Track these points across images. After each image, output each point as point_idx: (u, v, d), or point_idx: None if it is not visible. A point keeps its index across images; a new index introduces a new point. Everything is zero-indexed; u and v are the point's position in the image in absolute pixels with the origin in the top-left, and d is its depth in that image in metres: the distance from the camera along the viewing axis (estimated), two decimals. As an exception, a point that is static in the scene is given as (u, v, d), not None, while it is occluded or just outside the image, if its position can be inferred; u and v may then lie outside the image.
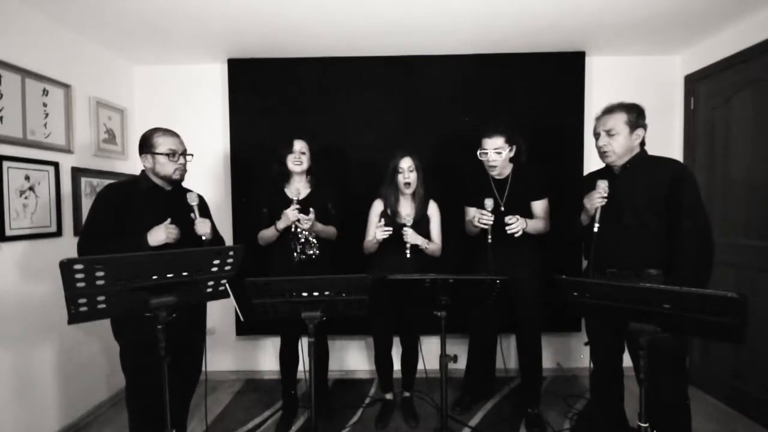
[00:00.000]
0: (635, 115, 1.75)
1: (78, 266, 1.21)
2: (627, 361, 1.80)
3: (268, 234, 2.18)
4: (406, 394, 2.43)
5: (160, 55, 2.76)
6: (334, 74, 2.81)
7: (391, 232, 2.07)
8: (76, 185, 2.38)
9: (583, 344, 1.98)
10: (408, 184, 2.18)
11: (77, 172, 2.39)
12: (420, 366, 2.39)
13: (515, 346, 2.74)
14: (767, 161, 2.24)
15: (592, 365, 1.97)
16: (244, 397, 2.71)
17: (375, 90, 2.81)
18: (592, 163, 2.60)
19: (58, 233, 2.26)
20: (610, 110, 1.80)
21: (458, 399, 2.49)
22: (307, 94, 2.82)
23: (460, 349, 2.63)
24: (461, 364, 2.33)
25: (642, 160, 1.78)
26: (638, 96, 1.97)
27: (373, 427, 2.31)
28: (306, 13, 2.21)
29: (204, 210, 1.92)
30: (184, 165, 1.86)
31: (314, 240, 2.19)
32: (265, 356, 3.01)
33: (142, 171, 1.84)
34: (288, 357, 2.33)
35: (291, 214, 2.06)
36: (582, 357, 2.93)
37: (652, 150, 1.82)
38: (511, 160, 2.21)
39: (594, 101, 2.73)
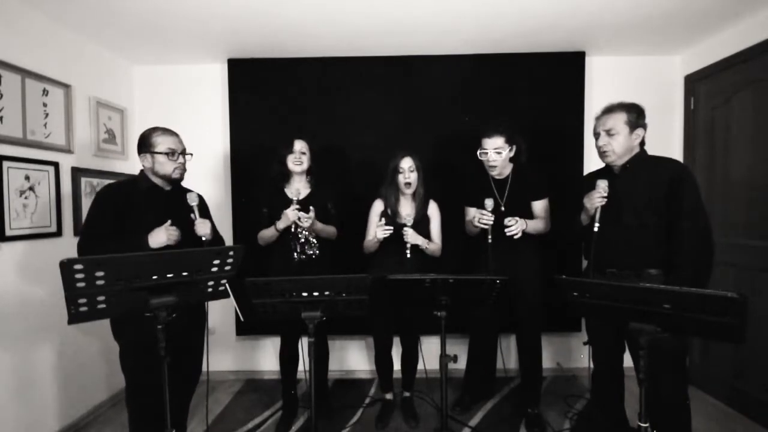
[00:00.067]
0: (635, 115, 1.75)
1: (78, 266, 1.21)
2: (627, 361, 1.80)
3: (267, 234, 2.18)
4: (406, 394, 2.43)
5: (160, 55, 2.76)
6: (334, 74, 2.81)
7: (391, 231, 2.07)
8: (76, 185, 2.38)
9: (583, 344, 1.98)
10: (408, 184, 2.18)
11: (77, 172, 2.39)
12: (420, 366, 2.39)
13: (515, 346, 2.74)
14: (767, 161, 2.24)
15: (592, 365, 1.97)
16: (244, 397, 2.71)
17: (375, 90, 2.81)
18: (592, 163, 2.60)
19: (58, 233, 2.26)
20: (609, 110, 1.80)
21: (458, 399, 2.49)
22: (307, 94, 2.82)
23: (460, 349, 2.63)
24: (461, 364, 2.33)
25: (642, 160, 1.78)
26: (638, 96, 1.97)
27: (373, 427, 2.31)
28: (306, 13, 2.21)
29: (204, 210, 1.91)
30: (184, 164, 1.85)
31: (314, 240, 2.19)
32: (265, 356, 3.01)
33: (141, 171, 1.84)
34: (288, 357, 2.33)
35: (291, 214, 2.06)
36: (582, 357, 2.93)
37: (652, 150, 1.82)
38: (511, 160, 2.21)
39: (594, 101, 2.73)
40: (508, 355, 2.85)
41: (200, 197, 1.90)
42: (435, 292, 1.70)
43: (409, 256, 2.08)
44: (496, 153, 2.12)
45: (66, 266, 1.19)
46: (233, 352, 3.01)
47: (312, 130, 2.57)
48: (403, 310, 2.24)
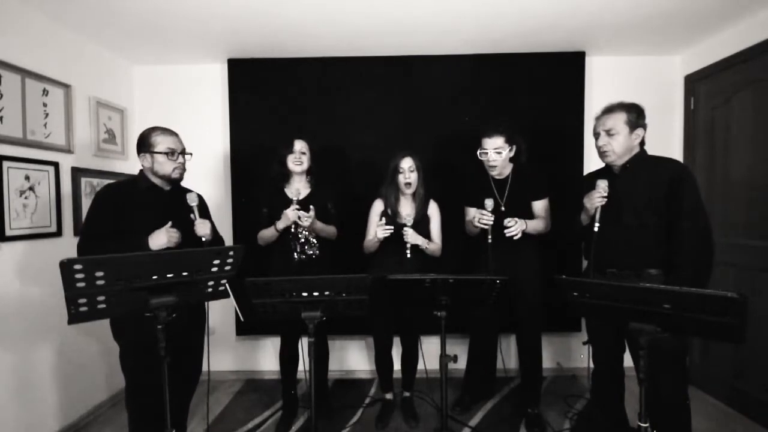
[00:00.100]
0: (635, 115, 1.75)
1: (78, 266, 1.21)
2: (627, 360, 1.80)
3: (267, 234, 2.18)
4: (406, 394, 2.43)
5: (160, 55, 2.76)
6: (334, 74, 2.81)
7: (392, 231, 2.07)
8: (76, 185, 2.38)
9: (583, 343, 1.98)
10: (409, 184, 2.18)
11: (77, 172, 2.39)
12: (420, 366, 2.39)
13: (515, 346, 2.74)
14: (767, 161, 2.24)
15: (592, 365, 1.97)
16: (244, 397, 2.71)
17: (375, 90, 2.81)
18: (592, 163, 2.60)
19: (58, 233, 2.26)
20: (609, 110, 1.80)
21: (458, 399, 2.49)
22: (307, 94, 2.82)
23: (460, 349, 2.63)
24: (461, 364, 2.33)
25: (642, 160, 1.78)
26: (638, 96, 1.97)
27: (373, 427, 2.31)
28: (306, 13, 2.21)
29: (204, 210, 1.91)
30: (183, 164, 1.84)
31: (314, 240, 2.19)
32: (265, 356, 3.02)
33: (141, 170, 1.83)
34: (288, 357, 2.33)
35: (291, 214, 2.06)
36: (582, 357, 2.92)
37: (652, 150, 1.82)
38: (511, 160, 2.21)
39: (594, 101, 2.73)
40: (508, 355, 2.85)
41: (200, 197, 1.90)
42: (435, 292, 1.70)
43: (409, 256, 2.08)
44: (496, 153, 2.12)
45: (66, 266, 1.19)
46: (233, 352, 3.01)
47: (312, 130, 2.57)
48: (403, 310, 2.24)
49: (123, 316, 1.62)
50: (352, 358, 3.01)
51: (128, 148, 2.80)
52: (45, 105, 2.20)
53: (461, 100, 2.80)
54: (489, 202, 2.05)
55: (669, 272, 1.67)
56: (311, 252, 2.19)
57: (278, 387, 2.49)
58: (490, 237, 2.06)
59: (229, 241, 2.74)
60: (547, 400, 2.54)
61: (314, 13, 2.21)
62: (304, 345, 1.80)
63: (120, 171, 2.72)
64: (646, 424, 1.29)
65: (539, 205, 2.22)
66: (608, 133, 1.77)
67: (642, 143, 1.79)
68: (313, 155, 2.27)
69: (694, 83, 2.73)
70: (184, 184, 1.91)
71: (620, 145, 1.75)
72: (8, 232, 1.97)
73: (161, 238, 1.67)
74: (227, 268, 1.50)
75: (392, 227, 2.09)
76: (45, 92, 2.20)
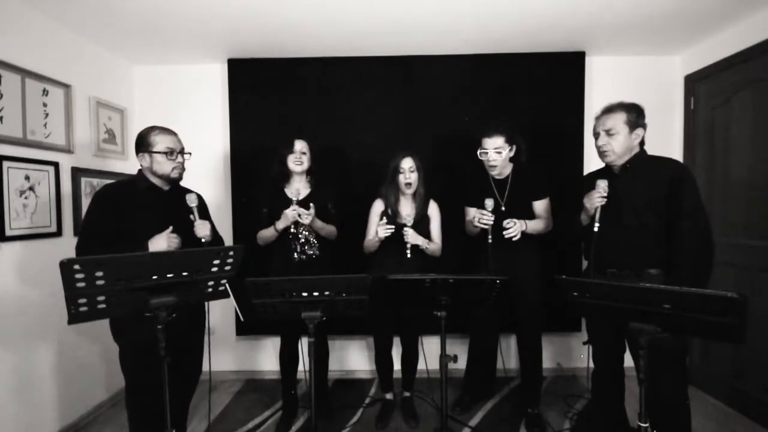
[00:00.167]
0: (635, 115, 1.75)
1: (78, 266, 1.21)
2: (628, 360, 1.80)
3: (267, 234, 2.18)
4: (406, 394, 2.43)
5: (160, 55, 2.76)
6: (334, 74, 2.81)
7: (393, 230, 2.07)
8: (76, 185, 2.38)
9: (583, 343, 1.98)
10: (409, 185, 2.18)
11: (77, 172, 2.39)
12: (421, 366, 2.39)
13: (515, 346, 2.74)
14: (767, 161, 2.24)
15: (592, 365, 1.97)
16: (244, 397, 2.71)
17: (375, 90, 2.81)
18: (592, 163, 2.60)
19: (58, 233, 2.26)
20: (609, 110, 1.80)
21: (458, 399, 2.49)
22: (307, 94, 2.82)
23: (460, 349, 2.63)
24: (461, 364, 2.33)
25: (642, 160, 1.78)
26: (638, 96, 1.97)
27: (373, 427, 2.31)
28: (306, 13, 2.21)
29: (203, 211, 1.91)
30: (183, 163, 1.83)
31: (314, 240, 2.19)
32: (265, 356, 3.02)
33: (140, 170, 1.82)
34: (288, 357, 2.33)
35: (290, 214, 2.06)
36: (582, 357, 2.92)
37: (652, 150, 1.82)
38: (511, 159, 2.21)
39: (594, 101, 2.73)
40: (508, 355, 2.85)
41: (200, 198, 1.89)
42: (435, 292, 1.70)
43: (409, 256, 2.08)
44: (496, 153, 2.12)
45: (66, 266, 1.19)
46: (233, 352, 3.01)
47: (312, 130, 2.57)
48: (403, 310, 2.24)
49: (123, 317, 1.61)
50: (352, 358, 3.01)
51: (128, 148, 2.80)
52: (45, 105, 2.20)
53: (461, 100, 2.80)
54: (489, 202, 2.05)
55: (669, 272, 1.67)
56: (311, 252, 2.19)
57: (278, 387, 2.49)
58: (490, 237, 2.06)
59: (229, 241, 2.74)
60: (547, 400, 2.54)
61: (314, 13, 2.21)
62: (304, 345, 1.80)
63: (120, 171, 2.72)
64: (646, 424, 1.29)
65: (540, 205, 2.22)
66: (608, 133, 1.77)
67: (642, 143, 1.79)
68: (313, 155, 2.27)
69: (694, 83, 2.73)
70: (184, 184, 1.91)
71: (620, 145, 1.75)
72: (8, 232, 1.97)
73: (161, 244, 1.66)
74: (227, 268, 1.50)
75: (393, 227, 2.09)
76: (45, 92, 2.20)
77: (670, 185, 1.67)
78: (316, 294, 1.53)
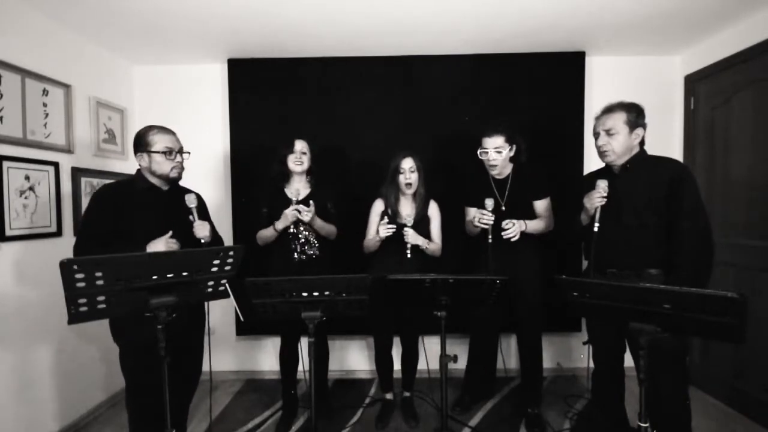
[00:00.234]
0: (635, 115, 1.75)
1: (78, 266, 1.21)
2: (628, 360, 1.80)
3: (266, 234, 2.18)
4: (406, 394, 2.43)
5: (160, 55, 2.76)
6: (334, 74, 2.81)
7: (394, 230, 2.07)
8: (76, 185, 2.38)
9: (583, 343, 1.98)
10: (409, 185, 2.18)
11: (77, 172, 2.39)
12: (422, 366, 2.38)
13: (515, 346, 2.74)
14: (767, 161, 2.24)
15: (592, 365, 1.97)
16: (244, 397, 2.71)
17: (375, 90, 2.81)
18: (592, 163, 2.60)
19: (58, 233, 2.26)
20: (609, 110, 1.80)
21: (458, 399, 2.49)
22: (307, 94, 2.82)
23: (460, 349, 2.63)
24: (461, 364, 2.33)
25: (642, 160, 1.78)
26: (638, 96, 1.97)
27: (373, 427, 2.31)
28: (306, 13, 2.21)
29: (203, 211, 1.90)
30: (182, 163, 1.82)
31: (314, 240, 2.20)
32: (265, 356, 3.01)
33: (138, 170, 1.80)
34: (288, 357, 2.33)
35: (290, 214, 2.06)
36: (582, 357, 2.92)
37: (652, 150, 1.82)
38: (512, 159, 2.21)
39: (594, 101, 2.73)
40: (508, 355, 2.85)
41: (199, 198, 1.89)
42: (435, 292, 1.70)
43: (409, 256, 2.08)
44: (497, 152, 2.12)
45: (66, 266, 1.19)
46: (233, 352, 3.01)
47: (312, 130, 2.57)
48: (403, 310, 2.24)
49: (123, 317, 1.61)
50: (352, 358, 3.01)
51: (128, 148, 2.80)
52: (45, 105, 2.20)
53: (461, 100, 2.80)
54: (489, 202, 2.06)
55: (669, 272, 1.67)
56: (311, 252, 2.19)
57: (278, 387, 2.49)
58: (490, 237, 2.06)
59: (228, 241, 2.74)
60: (547, 400, 2.54)
61: (314, 13, 2.21)
62: (304, 345, 1.80)
63: (120, 171, 2.72)
64: (646, 424, 1.29)
65: (541, 205, 2.22)
66: (608, 132, 1.77)
67: (642, 143, 1.79)
68: (313, 155, 2.27)
69: (694, 83, 2.73)
70: (183, 183, 1.91)
71: (620, 144, 1.75)
72: (8, 232, 1.97)
73: (159, 248, 1.65)
74: (227, 268, 1.50)
75: (395, 226, 2.09)
76: (45, 92, 2.20)
77: (670, 185, 1.67)
78: (316, 294, 1.53)
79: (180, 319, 1.45)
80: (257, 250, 2.20)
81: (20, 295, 2.05)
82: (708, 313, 1.16)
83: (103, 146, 2.62)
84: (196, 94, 2.92)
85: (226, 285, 1.53)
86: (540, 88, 2.78)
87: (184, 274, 1.40)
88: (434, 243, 2.22)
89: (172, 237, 1.69)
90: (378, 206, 2.29)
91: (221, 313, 2.90)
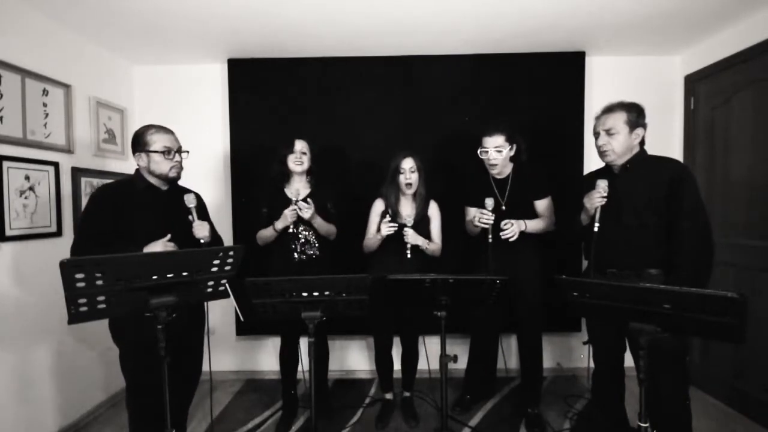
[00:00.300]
0: (635, 115, 1.75)
1: (78, 266, 1.21)
2: (628, 360, 1.80)
3: (266, 234, 2.18)
4: (406, 394, 2.43)
5: (160, 55, 2.76)
6: (334, 74, 2.81)
7: (396, 228, 2.07)
8: (76, 185, 2.38)
9: (583, 343, 1.98)
10: (409, 185, 2.18)
11: (77, 172, 2.39)
12: (422, 366, 2.38)
13: (515, 345, 2.74)
14: (767, 161, 2.24)
15: (592, 365, 1.97)
16: (244, 397, 2.71)
17: (375, 90, 2.81)
18: (592, 162, 2.60)
19: (58, 233, 2.26)
20: (609, 109, 1.80)
21: (458, 399, 2.49)
22: (307, 94, 2.82)
23: (460, 349, 2.64)
24: (461, 364, 2.33)
25: (642, 160, 1.78)
26: (638, 96, 1.97)
27: (373, 427, 2.31)
28: (306, 13, 2.21)
29: (202, 211, 1.90)
30: (180, 162, 1.81)
31: (314, 240, 2.19)
32: (265, 356, 3.01)
33: (137, 170, 1.80)
34: (288, 357, 2.33)
35: (290, 214, 2.06)
36: (582, 357, 2.92)
37: (652, 150, 1.82)
38: (512, 159, 2.21)
39: (594, 101, 2.73)
40: (508, 355, 2.85)
41: (198, 197, 1.88)
42: (435, 292, 1.70)
43: (409, 256, 2.08)
44: (497, 151, 2.12)
45: (66, 266, 1.19)
46: (233, 352, 3.01)
47: (312, 130, 2.57)
48: (403, 310, 2.24)
49: (123, 317, 1.61)
50: (352, 358, 3.01)
51: (128, 148, 2.75)
52: (45, 105, 2.20)
53: (461, 100, 2.80)
54: (489, 202, 2.06)
55: (669, 272, 1.67)
56: (311, 252, 2.19)
57: (278, 387, 2.48)
58: (490, 236, 2.06)
59: (228, 241, 2.74)
60: (547, 400, 2.54)
61: (314, 13, 2.21)
62: (303, 345, 1.80)
63: (120, 171, 2.72)
64: (646, 424, 1.29)
65: (542, 204, 2.22)
66: (608, 132, 1.77)
67: (642, 143, 1.79)
68: (313, 155, 2.27)
69: (694, 83, 2.73)
70: (183, 183, 1.90)
71: (620, 144, 1.75)
72: (8, 232, 1.97)
73: (157, 251, 1.64)
74: (227, 268, 1.50)
75: (396, 225, 2.09)
76: (45, 92, 2.20)
77: (670, 185, 1.67)
78: (316, 294, 1.53)
79: (180, 319, 1.45)
80: (257, 250, 2.20)
81: (20, 295, 2.05)
82: (708, 313, 1.16)
83: (103, 146, 2.62)
84: (196, 94, 2.92)
85: (226, 285, 1.53)
86: (540, 88, 2.78)
87: (184, 274, 1.40)
88: (434, 243, 2.22)
89: (171, 239, 1.68)
90: (378, 206, 2.29)
91: (221, 313, 2.90)
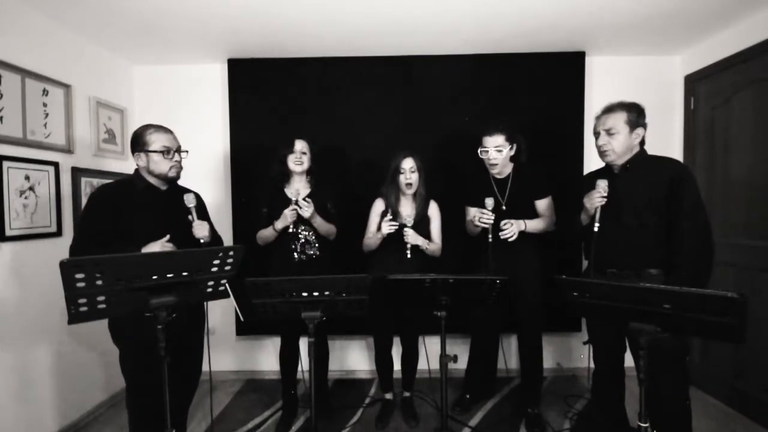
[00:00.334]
0: (635, 115, 1.75)
1: (78, 266, 1.21)
2: (628, 360, 1.80)
3: (266, 234, 2.18)
4: (406, 394, 2.43)
5: (160, 55, 2.76)
6: (334, 74, 2.81)
7: (397, 227, 2.07)
8: (76, 185, 2.38)
9: (583, 343, 1.98)
10: (409, 185, 2.18)
11: (77, 172, 2.39)
12: (422, 366, 2.38)
13: (516, 345, 2.74)
14: (767, 161, 2.24)
15: (592, 365, 1.97)
16: (244, 397, 2.71)
17: (375, 90, 2.81)
18: (592, 162, 2.60)
19: (58, 233, 2.26)
20: (610, 109, 1.80)
21: (458, 399, 2.49)
22: (307, 94, 2.82)
23: (460, 349, 2.64)
24: (462, 364, 2.33)
25: (642, 160, 1.78)
26: (638, 96, 1.97)
27: (373, 427, 2.31)
28: (306, 13, 2.21)
29: (202, 211, 1.90)
30: (180, 162, 1.81)
31: (314, 240, 2.19)
32: (265, 356, 3.01)
33: (136, 170, 1.79)
34: (288, 357, 2.33)
35: (290, 214, 2.06)
36: (582, 357, 2.93)
37: (652, 150, 1.82)
38: (512, 159, 2.21)
39: (594, 101, 2.73)
40: (509, 355, 2.85)
41: (198, 197, 1.88)
42: (435, 292, 1.70)
43: (409, 256, 2.08)
44: (497, 151, 2.12)
45: (66, 266, 1.19)
46: (233, 352, 3.01)
47: (312, 130, 2.57)
48: (403, 310, 2.24)
49: (122, 318, 1.61)
50: (352, 358, 3.01)
51: (128, 148, 2.75)
52: (45, 105, 2.20)
53: (461, 100, 2.80)
54: (489, 201, 2.06)
55: (669, 272, 1.67)
56: (311, 252, 2.19)
57: (278, 387, 2.49)
58: (490, 236, 2.06)
59: (228, 241, 2.74)
60: (547, 400, 2.54)
61: (314, 13, 2.21)
62: (303, 345, 1.80)
63: (120, 171, 2.72)
64: (646, 424, 1.29)
65: (543, 204, 2.22)
66: (608, 132, 1.77)
67: (642, 143, 1.79)
68: (313, 155, 2.27)
69: (694, 83, 2.73)
70: (184, 183, 1.90)
71: (620, 144, 1.75)
72: (8, 232, 1.97)
73: (155, 251, 1.63)
74: (227, 268, 1.50)
75: (398, 223, 2.09)
76: (45, 92, 2.20)
77: (670, 185, 1.67)
78: (316, 294, 1.53)
79: (180, 319, 1.45)
80: (257, 250, 2.20)
81: (20, 295, 2.04)
82: (708, 313, 1.16)
83: (103, 146, 2.62)
84: (196, 94, 2.92)
85: (226, 285, 1.53)
86: (540, 88, 2.78)
87: (184, 274, 1.40)
88: (434, 243, 2.22)
89: (170, 239, 1.67)
90: (378, 206, 2.29)
91: (221, 313, 2.91)
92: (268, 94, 2.82)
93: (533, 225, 2.15)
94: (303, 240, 2.18)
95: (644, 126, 1.77)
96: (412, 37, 2.54)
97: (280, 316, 1.57)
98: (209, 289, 1.51)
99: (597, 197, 1.75)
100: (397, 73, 2.80)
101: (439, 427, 2.11)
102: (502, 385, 2.73)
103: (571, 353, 2.97)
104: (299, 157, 2.18)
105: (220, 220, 2.47)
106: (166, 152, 1.74)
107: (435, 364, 1.94)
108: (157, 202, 1.77)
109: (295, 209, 2.06)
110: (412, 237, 2.07)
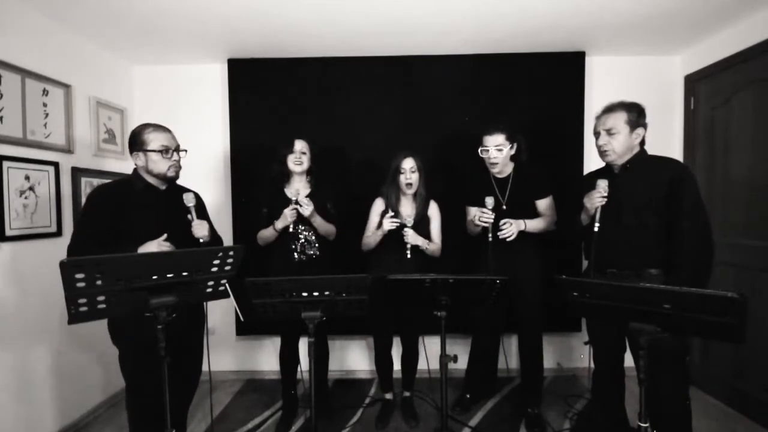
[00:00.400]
0: (635, 114, 1.75)
1: (78, 266, 1.20)
2: (628, 360, 1.80)
3: (266, 234, 2.18)
4: (406, 394, 2.43)
5: (160, 55, 2.76)
6: (334, 74, 2.81)
7: (398, 224, 2.07)
8: (76, 185, 2.38)
9: (583, 343, 1.98)
10: (410, 185, 2.18)
11: (77, 172, 2.39)
12: (422, 366, 2.38)
13: (516, 345, 2.73)
14: (767, 161, 2.24)
15: (592, 365, 1.97)
16: (244, 397, 2.71)
17: (375, 90, 2.81)
18: (592, 162, 2.60)
19: (58, 233, 2.26)
20: (610, 109, 1.80)
21: (458, 399, 2.49)
22: (307, 94, 2.82)
23: (460, 349, 2.63)
24: (462, 364, 2.33)
25: (642, 160, 1.78)
26: (638, 96, 1.97)
27: (373, 427, 2.31)
28: (306, 13, 2.21)
29: (201, 211, 1.89)
30: (179, 161, 1.80)
31: (314, 240, 2.19)
32: (265, 356, 3.01)
33: (135, 170, 1.78)
34: (288, 357, 2.33)
35: (290, 214, 2.06)
36: (582, 357, 2.93)
37: (652, 150, 1.82)
38: (512, 158, 2.21)
39: (594, 101, 2.73)
40: (509, 355, 2.85)
41: (197, 197, 1.87)
42: (435, 292, 1.70)
43: (409, 256, 2.08)
44: (497, 150, 2.12)
45: (66, 266, 1.18)
46: (233, 352, 3.01)
47: (312, 130, 2.57)
48: (403, 310, 2.24)
49: (122, 318, 1.61)
50: (352, 358, 3.01)
51: (128, 148, 2.80)
52: (45, 105, 2.20)
53: (461, 100, 2.80)
54: (489, 200, 2.06)
55: (669, 272, 1.67)
56: (311, 252, 2.19)
57: (278, 387, 2.49)
58: (490, 236, 2.06)
59: (228, 241, 2.74)
60: (547, 400, 2.54)
61: (314, 13, 2.21)
62: (303, 345, 1.80)
63: (120, 171, 2.72)
64: (646, 424, 1.29)
65: (543, 204, 2.22)
66: (608, 132, 1.77)
67: (642, 143, 1.79)
68: (313, 155, 2.27)
69: (694, 83, 2.73)
70: (183, 183, 1.90)
71: (620, 144, 1.75)
72: (8, 232, 1.97)
73: (152, 251, 1.63)
74: (227, 268, 1.50)
75: (399, 220, 2.09)
76: (45, 92, 2.20)
77: (670, 185, 1.67)
78: (316, 294, 1.53)
79: (180, 319, 1.45)
80: (257, 250, 2.20)
81: (20, 295, 2.04)
82: (708, 313, 1.16)
83: (103, 146, 2.62)
84: (196, 94, 2.92)
85: (226, 285, 1.53)
86: (540, 88, 2.78)
87: (184, 274, 1.40)
88: (434, 243, 2.22)
89: (167, 239, 1.67)
90: (378, 205, 2.29)
91: (221, 313, 2.90)
92: (268, 94, 2.82)
93: (533, 225, 2.15)
94: (303, 240, 2.18)
95: (644, 126, 1.77)
96: (412, 37, 2.54)
97: (280, 316, 1.57)
98: (209, 289, 1.51)
99: (597, 197, 1.75)
100: (397, 73, 2.80)
101: (439, 427, 2.11)
102: (502, 385, 2.73)
103: (571, 353, 2.97)
104: (299, 157, 2.18)
105: (220, 220, 2.47)
106: (164, 151, 1.73)
107: (435, 364, 1.93)
108: (156, 202, 1.77)
109: (295, 209, 2.06)
110: (411, 237, 2.07)
